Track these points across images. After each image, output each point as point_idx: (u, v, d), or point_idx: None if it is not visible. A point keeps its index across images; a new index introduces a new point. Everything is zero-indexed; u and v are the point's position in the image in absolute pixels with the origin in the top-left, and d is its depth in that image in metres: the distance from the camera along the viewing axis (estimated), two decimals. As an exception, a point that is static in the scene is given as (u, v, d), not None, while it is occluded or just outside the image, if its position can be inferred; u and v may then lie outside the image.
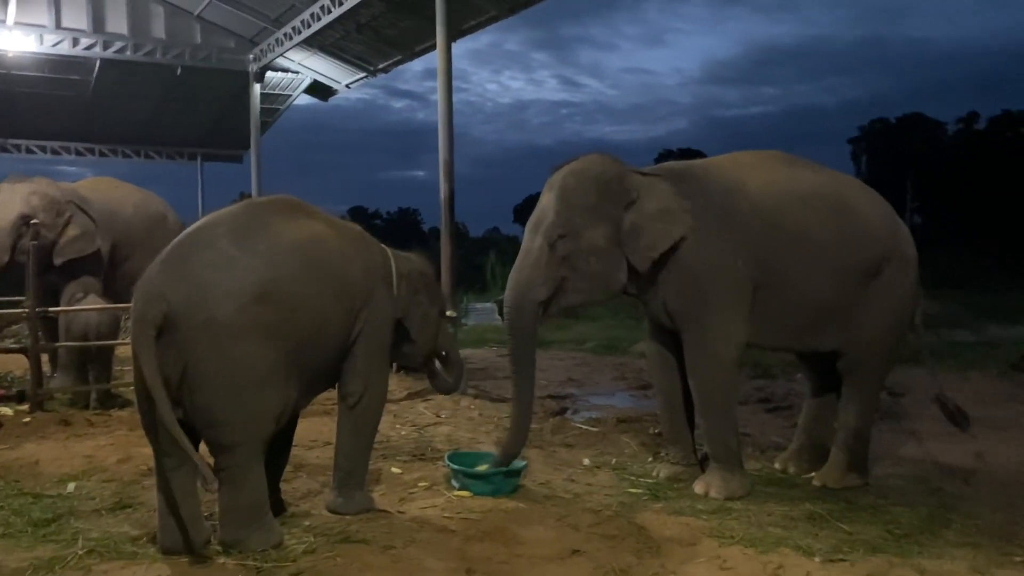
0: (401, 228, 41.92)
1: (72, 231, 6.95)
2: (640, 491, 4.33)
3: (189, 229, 3.36)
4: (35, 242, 6.31)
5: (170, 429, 2.99)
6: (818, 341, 4.49)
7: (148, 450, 3.48)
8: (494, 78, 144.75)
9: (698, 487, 4.31)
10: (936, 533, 3.70)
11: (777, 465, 4.86)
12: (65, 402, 6.35)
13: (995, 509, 4.11)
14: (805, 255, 4.29)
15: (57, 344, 6.48)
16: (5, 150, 18.01)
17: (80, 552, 3.22)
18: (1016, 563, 3.33)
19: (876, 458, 4.87)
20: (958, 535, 3.69)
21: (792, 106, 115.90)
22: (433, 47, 9.93)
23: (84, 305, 6.40)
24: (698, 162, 4.73)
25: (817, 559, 3.31)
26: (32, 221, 6.52)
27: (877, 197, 4.67)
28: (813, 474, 4.61)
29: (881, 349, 4.52)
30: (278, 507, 3.66)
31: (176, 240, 3.31)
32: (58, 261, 6.92)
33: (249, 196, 13.99)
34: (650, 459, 5.01)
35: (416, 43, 11.84)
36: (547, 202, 4.22)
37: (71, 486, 4.18)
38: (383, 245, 3.96)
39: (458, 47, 8.70)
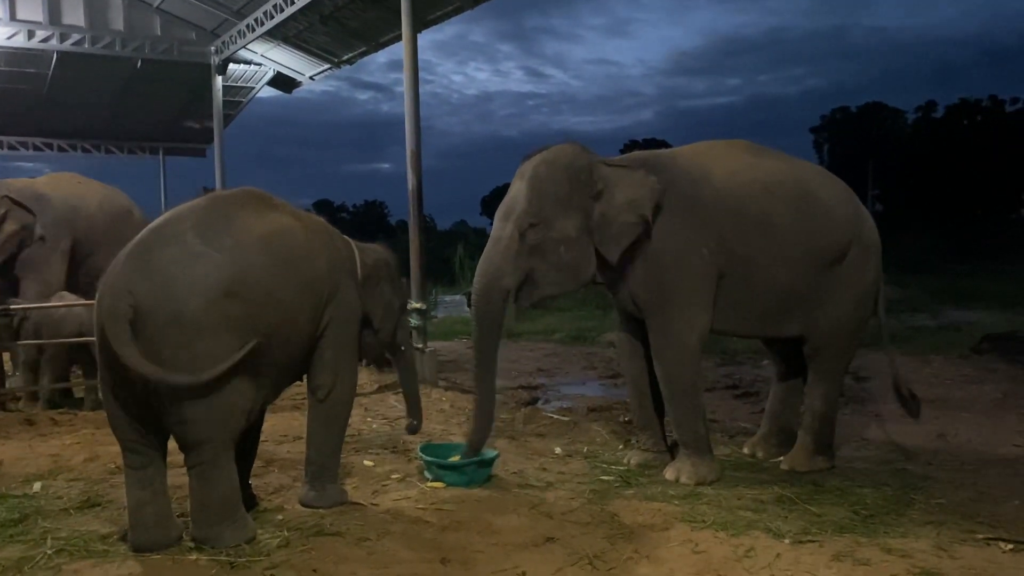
0: (368, 221, 41.67)
1: (9, 227, 6.80)
2: (612, 478, 4.37)
3: (154, 224, 3.31)
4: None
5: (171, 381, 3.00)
6: (783, 327, 4.56)
7: (115, 448, 3.44)
8: (460, 69, 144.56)
9: (669, 473, 4.35)
10: (901, 513, 3.78)
11: (746, 450, 4.93)
12: (64, 406, 6.16)
13: (957, 488, 4.20)
14: (769, 243, 4.34)
15: (40, 342, 6.24)
16: (-39, 145, 17.61)
17: (49, 551, 3.17)
18: (978, 540, 3.40)
19: (842, 441, 4.96)
20: (922, 514, 3.77)
21: (755, 96, 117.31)
22: (398, 38, 9.85)
23: (59, 302, 6.24)
24: (664, 152, 4.76)
25: (786, 541, 3.36)
26: None
27: (841, 185, 4.73)
28: (781, 458, 4.68)
29: (845, 334, 4.59)
30: (249, 502, 3.63)
31: (140, 235, 3.25)
32: (21, 256, 6.81)
33: (213, 190, 13.79)
34: (621, 447, 5.06)
35: (380, 34, 11.73)
36: (518, 191, 4.22)
37: (37, 485, 4.12)
38: (346, 237, 3.95)
39: (423, 38, 8.65)
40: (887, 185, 32.56)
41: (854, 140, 34.47)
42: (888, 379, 4.86)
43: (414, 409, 4.29)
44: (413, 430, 4.34)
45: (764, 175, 4.46)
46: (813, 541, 3.37)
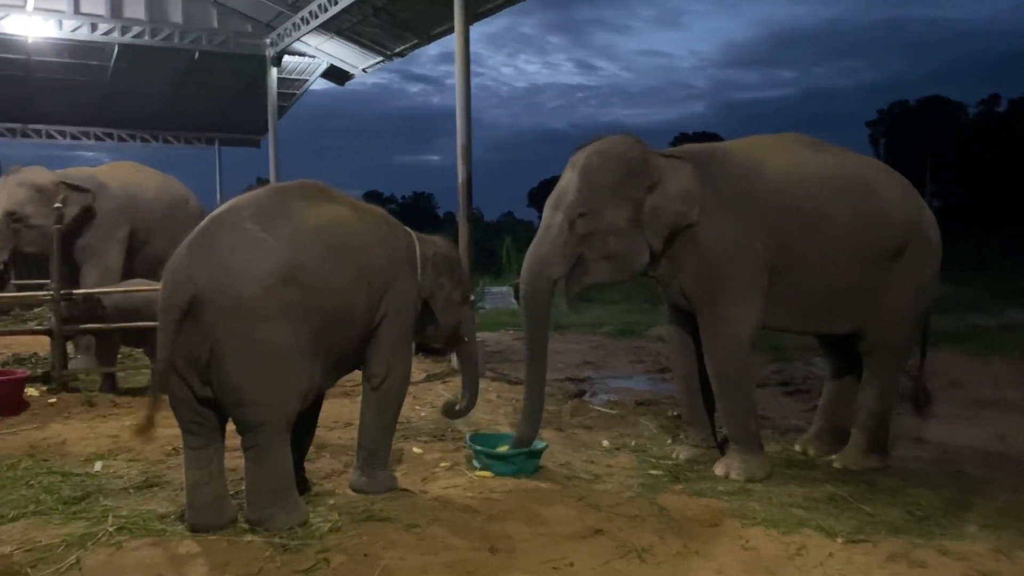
0: (416, 213, 41.84)
1: (71, 210, 6.98)
2: (660, 472, 4.35)
3: (215, 212, 3.39)
4: (58, 226, 6.36)
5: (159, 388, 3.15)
6: (837, 323, 4.48)
7: (172, 430, 3.53)
8: (509, 62, 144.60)
9: (718, 469, 4.32)
10: (957, 515, 3.70)
11: (797, 447, 4.87)
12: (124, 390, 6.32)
13: (1017, 491, 4.10)
14: (823, 238, 4.27)
15: (111, 326, 6.35)
16: (26, 135, 18.09)
17: (110, 529, 3.27)
18: (1039, 545, 3.32)
19: (896, 440, 4.87)
20: (980, 517, 3.68)
21: (810, 89, 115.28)
22: (449, 31, 9.90)
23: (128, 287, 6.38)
24: (718, 144, 4.72)
25: (839, 540, 3.32)
26: (55, 205, 6.57)
27: (901, 180, 4.63)
28: (833, 456, 4.61)
29: (902, 332, 4.51)
30: (303, 486, 3.70)
31: (202, 224, 3.34)
32: (80, 242, 7.06)
33: (266, 181, 14.03)
34: (669, 441, 5.03)
35: (432, 27, 11.79)
36: (569, 180, 4.21)
37: (98, 465, 4.24)
38: (407, 228, 3.98)
39: (474, 30, 8.60)
40: (946, 181, 31.71)
41: (912, 135, 33.60)
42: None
43: (469, 388, 4.27)
44: (457, 414, 4.33)
45: (821, 170, 4.39)
46: (866, 541, 3.33)
